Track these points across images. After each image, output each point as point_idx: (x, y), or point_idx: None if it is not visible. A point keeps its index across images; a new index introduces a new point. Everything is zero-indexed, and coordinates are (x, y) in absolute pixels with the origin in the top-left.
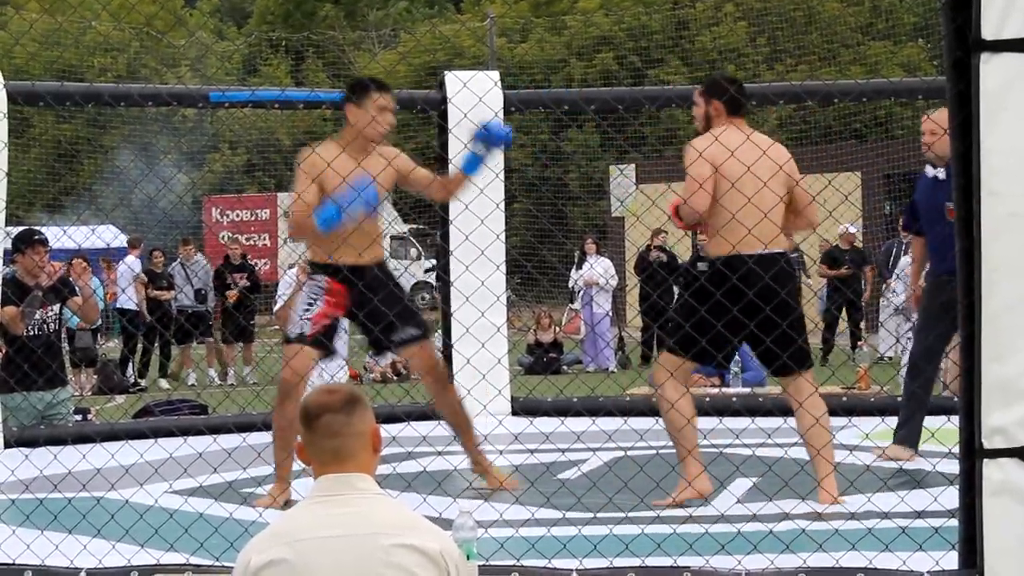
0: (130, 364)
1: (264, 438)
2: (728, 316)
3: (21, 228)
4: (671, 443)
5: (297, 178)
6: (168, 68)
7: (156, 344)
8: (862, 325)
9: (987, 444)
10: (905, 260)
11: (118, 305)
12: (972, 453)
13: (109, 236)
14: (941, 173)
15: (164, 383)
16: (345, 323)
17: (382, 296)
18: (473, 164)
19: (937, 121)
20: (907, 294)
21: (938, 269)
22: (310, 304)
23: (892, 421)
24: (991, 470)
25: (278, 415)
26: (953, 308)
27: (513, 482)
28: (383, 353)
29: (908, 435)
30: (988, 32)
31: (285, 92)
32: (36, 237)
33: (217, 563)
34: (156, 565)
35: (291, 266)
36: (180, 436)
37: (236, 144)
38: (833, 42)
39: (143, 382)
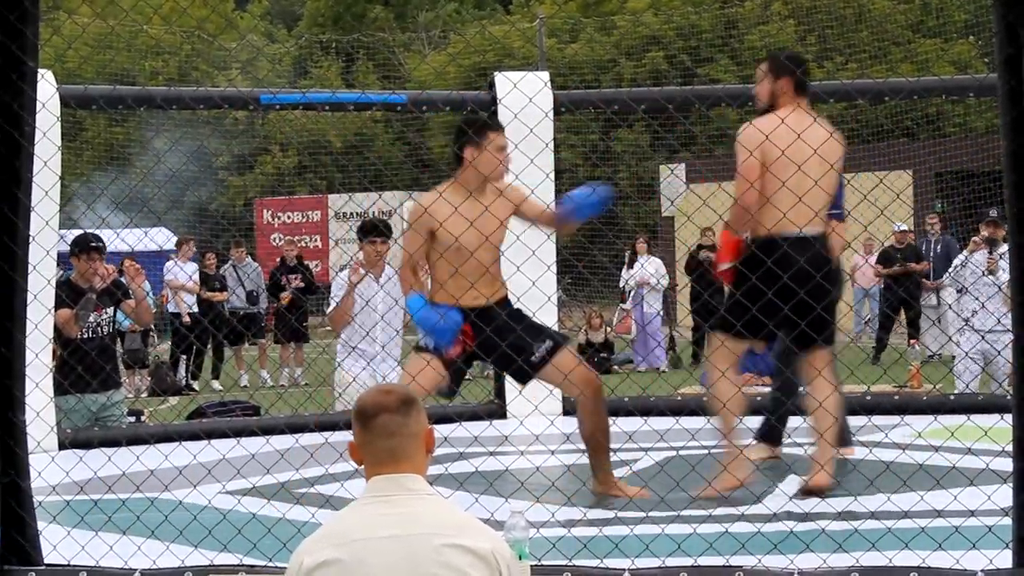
0: (181, 366)
1: (316, 439)
2: (764, 297)
3: (77, 232)
4: (722, 442)
5: (411, 225)
6: (219, 71)
7: (209, 346)
8: (921, 323)
9: None
10: (959, 258)
11: (171, 308)
12: None
13: (162, 239)
14: None
15: (216, 384)
16: (399, 323)
17: (502, 327)
18: (583, 211)
19: None
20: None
21: None
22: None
23: (945, 420)
24: None
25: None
26: None
27: (644, 492)
28: (527, 382)
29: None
30: None
31: (335, 94)
32: (93, 244)
33: (270, 564)
34: (210, 566)
35: (343, 268)
36: (233, 437)
37: (287, 146)
38: (883, 40)
39: (195, 384)
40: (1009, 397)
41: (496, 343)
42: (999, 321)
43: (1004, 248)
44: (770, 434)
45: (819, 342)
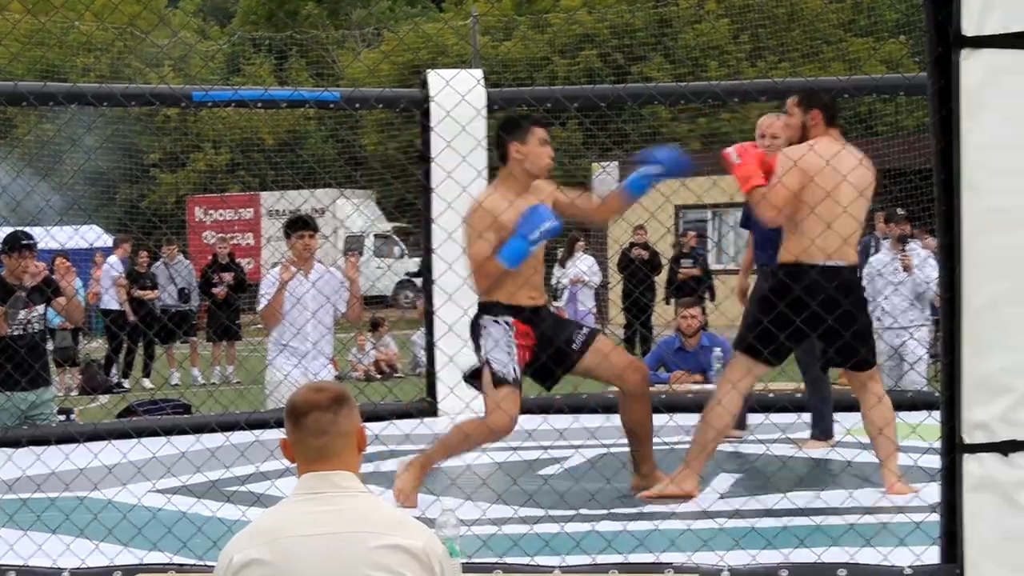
0: (114, 364)
1: (247, 437)
2: (794, 323)
3: (7, 229)
4: (653, 440)
5: (473, 228)
6: (151, 68)
7: (140, 344)
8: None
9: (968, 439)
10: (879, 257)
11: (102, 305)
12: (953, 448)
13: (92, 236)
14: None
15: (147, 383)
16: (330, 320)
17: (554, 325)
18: (640, 186)
19: (771, 126)
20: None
21: (760, 260)
22: (510, 348)
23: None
24: (972, 465)
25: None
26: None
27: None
28: (557, 378)
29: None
30: (969, 28)
31: (268, 91)
32: (24, 242)
33: (200, 562)
34: (139, 565)
35: (274, 265)
36: (163, 436)
37: (219, 143)
38: (815, 39)
39: (126, 382)
40: (937, 394)
41: (548, 341)
42: (895, 320)
43: (912, 244)
44: (825, 430)
45: (867, 362)
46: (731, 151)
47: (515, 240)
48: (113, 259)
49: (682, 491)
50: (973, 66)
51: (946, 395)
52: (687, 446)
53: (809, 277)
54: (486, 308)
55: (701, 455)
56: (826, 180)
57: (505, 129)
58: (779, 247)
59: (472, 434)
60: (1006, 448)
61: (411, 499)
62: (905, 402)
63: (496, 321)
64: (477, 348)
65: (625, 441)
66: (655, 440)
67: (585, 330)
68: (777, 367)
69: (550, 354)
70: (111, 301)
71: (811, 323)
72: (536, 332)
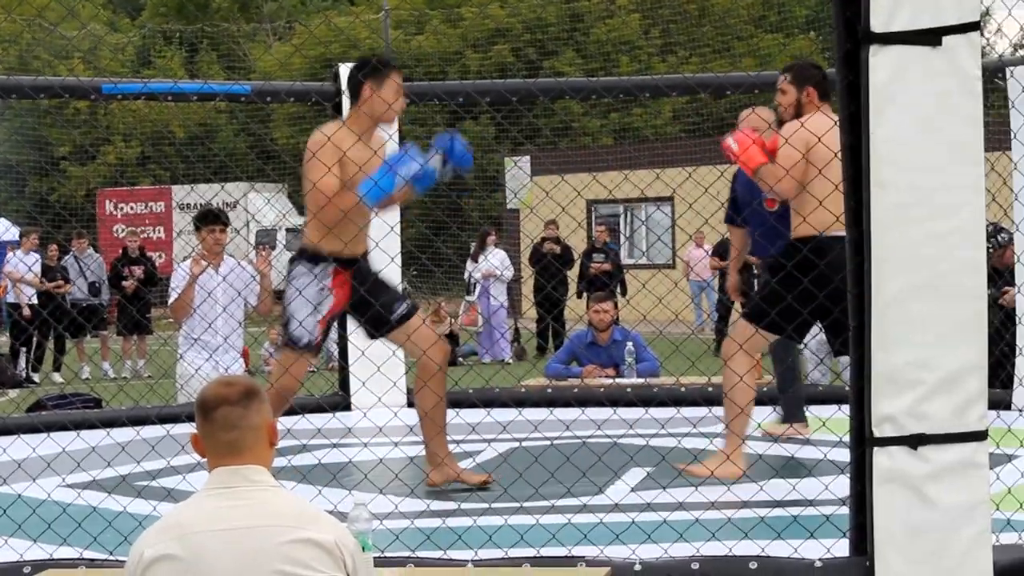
0: (22, 358)
1: (158, 431)
2: (804, 294)
3: None
4: (565, 434)
5: (316, 160)
6: (60, 60)
7: (49, 338)
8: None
9: (877, 432)
10: None
11: (9, 300)
12: (862, 441)
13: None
14: None
15: (57, 377)
16: (241, 314)
17: (374, 282)
18: (425, 179)
19: (749, 120)
20: (728, 283)
21: (764, 254)
22: (317, 304)
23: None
24: (881, 458)
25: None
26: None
27: (478, 477)
28: (379, 336)
29: (794, 411)
30: (877, 25)
31: (178, 84)
32: None
33: (111, 557)
34: (49, 560)
35: (184, 258)
36: (73, 430)
37: (129, 136)
38: (726, 34)
39: (36, 376)
40: (847, 388)
41: (365, 295)
42: None
43: None
44: (796, 414)
45: None
46: (729, 141)
47: (383, 176)
48: (20, 252)
49: (729, 474)
50: (881, 62)
51: (855, 389)
52: (599, 440)
53: (833, 249)
54: (305, 254)
55: (733, 439)
56: (828, 152)
57: (362, 69)
58: (782, 235)
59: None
60: (914, 442)
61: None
62: (815, 396)
63: (310, 271)
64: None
65: (538, 435)
66: (570, 434)
67: (407, 303)
68: (800, 343)
69: (367, 313)
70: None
71: (830, 294)
72: (355, 281)
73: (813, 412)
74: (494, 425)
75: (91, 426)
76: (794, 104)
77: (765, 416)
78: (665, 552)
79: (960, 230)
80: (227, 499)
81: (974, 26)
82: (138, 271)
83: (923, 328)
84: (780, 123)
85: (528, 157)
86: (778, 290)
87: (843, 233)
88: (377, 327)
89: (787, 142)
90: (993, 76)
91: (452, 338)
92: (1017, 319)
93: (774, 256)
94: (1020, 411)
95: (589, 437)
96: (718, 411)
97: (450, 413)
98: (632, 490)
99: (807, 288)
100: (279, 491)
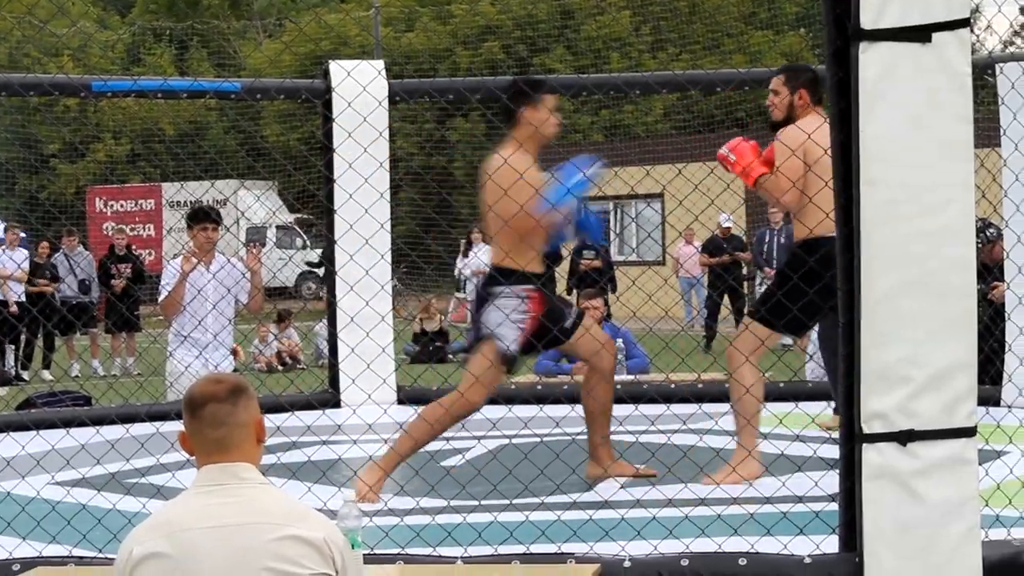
0: (10, 355)
1: (147, 429)
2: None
3: None
4: (555, 431)
5: (499, 186)
6: (50, 57)
7: (39, 335)
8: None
9: (866, 429)
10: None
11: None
12: (852, 438)
13: None
14: None
15: (47, 375)
16: (231, 312)
17: (554, 299)
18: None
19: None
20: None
21: None
22: (519, 322)
23: (773, 407)
24: (870, 455)
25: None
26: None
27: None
28: (556, 346)
29: None
30: (867, 21)
31: (168, 81)
32: None
33: (100, 555)
34: (38, 558)
35: (175, 256)
36: (63, 427)
37: (119, 134)
38: (716, 31)
39: (26, 374)
40: (811, 384)
41: (551, 315)
42: None
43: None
44: None
45: None
46: (724, 151)
47: (561, 189)
48: (7, 250)
49: (745, 477)
50: (871, 59)
51: (845, 385)
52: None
53: (824, 249)
54: (502, 275)
55: (748, 439)
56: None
57: (520, 91)
58: None
59: (443, 417)
60: (904, 438)
61: (372, 496)
62: (805, 392)
63: (511, 294)
64: (477, 315)
65: (528, 432)
66: (560, 431)
67: (575, 308)
68: (800, 337)
69: (554, 325)
70: (8, 292)
71: (827, 294)
72: (545, 305)
73: (802, 408)
74: (484, 422)
75: (80, 424)
76: (787, 105)
77: (821, 410)
78: (655, 549)
79: (949, 227)
80: (216, 496)
81: (964, 23)
82: (126, 269)
83: (913, 325)
84: (773, 126)
85: None
86: (800, 287)
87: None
88: (557, 339)
89: (793, 152)
90: (983, 73)
91: (442, 335)
92: (1006, 315)
93: (791, 255)
94: (1009, 407)
95: (579, 434)
96: (708, 408)
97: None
98: (622, 487)
99: (828, 284)
100: (268, 488)
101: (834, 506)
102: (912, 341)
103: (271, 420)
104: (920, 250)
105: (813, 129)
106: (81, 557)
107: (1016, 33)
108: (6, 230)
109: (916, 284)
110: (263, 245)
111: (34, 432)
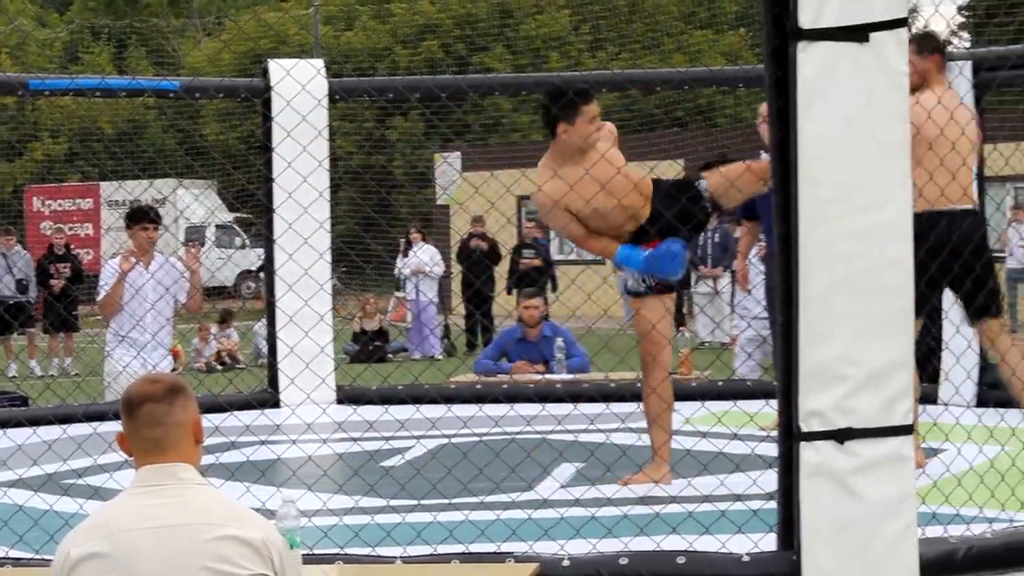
0: None
1: (85, 429)
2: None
3: None
4: (494, 430)
5: (555, 208)
6: None
7: None
8: (683, 311)
9: (804, 427)
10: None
11: None
12: (790, 436)
13: None
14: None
15: None
16: (170, 311)
17: None
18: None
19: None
20: (738, 273)
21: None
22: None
23: (712, 406)
24: (808, 453)
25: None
26: None
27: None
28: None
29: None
30: (805, 21)
31: (106, 80)
32: None
33: (37, 556)
34: None
35: (113, 255)
36: None
37: (57, 133)
38: (656, 30)
39: None
40: (775, 383)
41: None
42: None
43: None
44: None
45: (992, 311)
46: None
47: (636, 260)
48: None
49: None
50: (809, 58)
51: (782, 383)
52: (529, 436)
53: (944, 222)
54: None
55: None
56: (950, 132)
57: (553, 108)
58: None
59: (658, 375)
60: (841, 436)
61: (669, 478)
62: (744, 391)
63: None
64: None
65: (468, 431)
66: (499, 430)
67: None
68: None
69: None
70: None
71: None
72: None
73: (741, 407)
74: (423, 421)
75: (17, 424)
76: (917, 73)
77: (693, 411)
78: (594, 547)
79: (886, 226)
80: (154, 497)
81: (902, 22)
82: (65, 268)
83: (848, 324)
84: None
85: (458, 153)
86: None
87: (953, 207)
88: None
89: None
90: None
91: (381, 334)
92: (943, 314)
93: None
94: (946, 405)
95: (518, 433)
96: None
97: (379, 409)
98: (561, 486)
99: (924, 260)
100: (206, 489)
101: (772, 504)
102: (848, 340)
103: (209, 420)
104: (855, 249)
105: (933, 104)
106: (18, 558)
107: (954, 33)
108: None
109: (849, 283)
110: (202, 244)
111: None
